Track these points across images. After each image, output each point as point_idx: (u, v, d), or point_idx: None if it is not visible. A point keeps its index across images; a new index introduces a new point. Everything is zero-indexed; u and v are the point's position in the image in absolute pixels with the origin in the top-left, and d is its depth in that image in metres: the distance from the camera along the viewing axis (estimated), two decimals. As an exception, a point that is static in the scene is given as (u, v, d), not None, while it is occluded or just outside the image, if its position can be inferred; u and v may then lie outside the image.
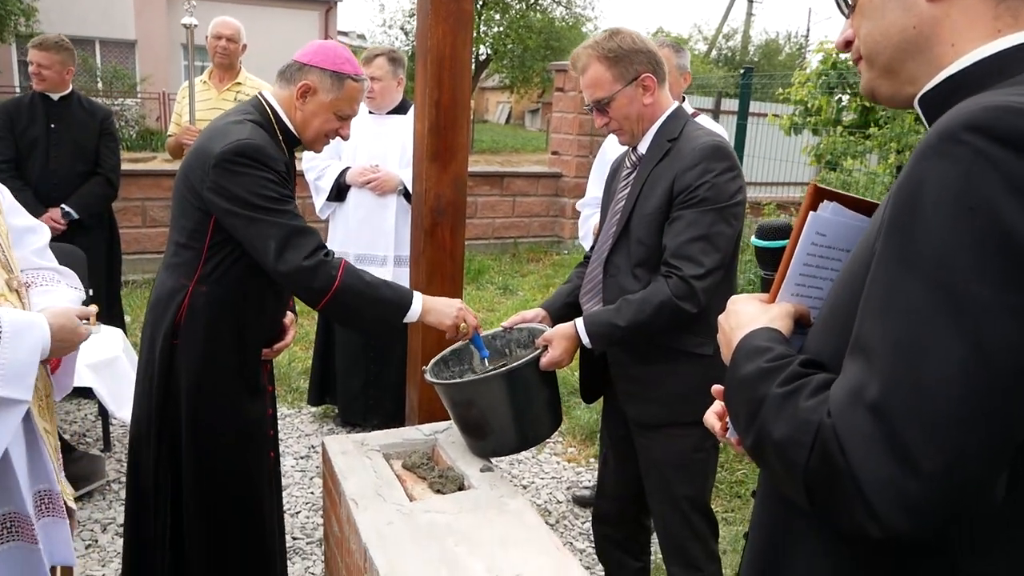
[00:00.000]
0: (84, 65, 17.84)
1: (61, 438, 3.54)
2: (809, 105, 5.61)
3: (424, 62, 2.57)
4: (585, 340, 2.07)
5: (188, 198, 2.06)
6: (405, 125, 3.85)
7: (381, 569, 1.63)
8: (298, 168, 2.44)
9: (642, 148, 2.14)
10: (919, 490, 0.71)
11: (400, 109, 3.94)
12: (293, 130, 2.16)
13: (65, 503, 1.79)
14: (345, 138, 2.25)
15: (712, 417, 1.15)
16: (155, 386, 2.11)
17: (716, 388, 1.11)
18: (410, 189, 3.71)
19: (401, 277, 3.79)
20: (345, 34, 30.52)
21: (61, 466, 1.86)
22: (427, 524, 1.80)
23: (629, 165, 2.20)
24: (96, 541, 2.99)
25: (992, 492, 0.73)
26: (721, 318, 1.08)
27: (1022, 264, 0.69)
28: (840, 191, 0.99)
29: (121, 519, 2.61)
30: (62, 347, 1.68)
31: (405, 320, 2.12)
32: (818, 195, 0.97)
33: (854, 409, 0.75)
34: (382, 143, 3.88)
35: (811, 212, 0.97)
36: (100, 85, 17.89)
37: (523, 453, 3.98)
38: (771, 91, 7.14)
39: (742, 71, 5.90)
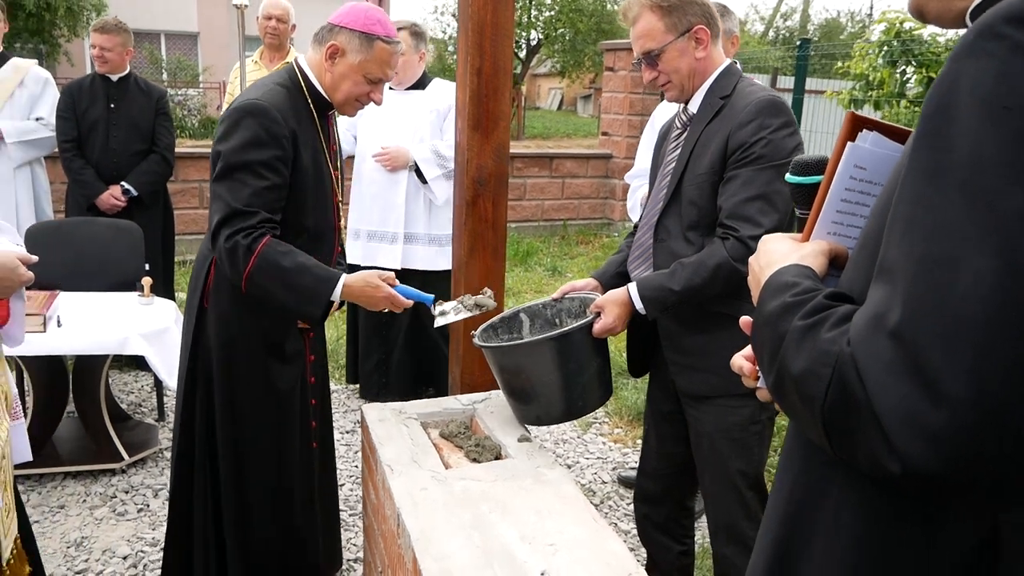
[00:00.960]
0: (150, 57, 18.38)
1: (117, 407, 3.66)
2: (871, 79, 5.37)
3: (465, 30, 2.54)
4: (639, 306, 2.00)
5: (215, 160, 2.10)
6: (421, 100, 3.83)
7: (413, 534, 1.61)
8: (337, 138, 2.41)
9: (693, 107, 2.06)
10: (943, 420, 0.64)
11: (419, 84, 3.89)
12: (324, 93, 2.14)
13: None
14: (378, 103, 2.21)
15: (740, 358, 1.09)
16: (188, 349, 2.15)
17: (744, 320, 1.05)
18: (422, 166, 3.71)
19: (411, 254, 3.82)
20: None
21: (19, 411, 1.87)
22: (461, 491, 1.78)
23: (680, 126, 2.12)
24: (148, 506, 3.07)
25: None
26: (751, 258, 1.02)
27: None
28: (881, 120, 0.91)
29: (172, 485, 2.68)
30: (1, 286, 1.68)
31: (331, 301, 2.04)
32: (856, 124, 0.90)
33: (875, 335, 0.69)
34: (398, 118, 3.83)
35: (849, 143, 0.90)
36: (165, 76, 18.38)
37: (568, 433, 3.95)
38: (830, 68, 6.89)
39: (798, 42, 5.67)
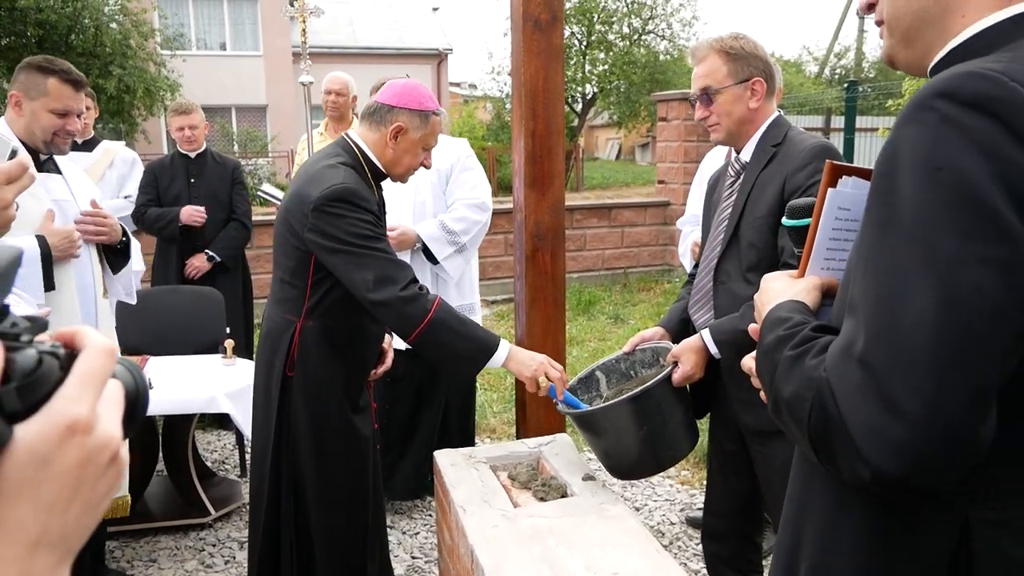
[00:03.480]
0: (222, 131, 19.38)
1: (202, 464, 3.87)
2: (923, 114, 5.38)
3: (519, 96, 2.72)
4: (713, 350, 2.08)
5: (289, 239, 2.21)
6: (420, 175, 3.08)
7: (486, 568, 1.72)
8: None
9: (745, 155, 2.17)
10: (903, 432, 0.76)
11: None
12: (380, 167, 2.29)
13: None
14: (428, 167, 2.38)
15: (750, 360, 1.20)
16: (275, 413, 2.28)
17: (745, 362, 1.16)
18: (431, 246, 3.36)
19: None
20: (457, 84, 31.65)
21: None
22: (529, 527, 1.88)
23: (732, 173, 2.22)
24: (234, 557, 3.23)
25: (979, 436, 0.76)
26: (755, 296, 1.14)
27: (986, 216, 0.74)
28: (856, 166, 1.04)
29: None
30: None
31: (490, 364, 2.17)
32: (835, 172, 1.03)
33: (846, 363, 0.81)
34: (397, 190, 3.18)
35: (830, 189, 1.02)
36: (236, 148, 19.32)
37: (636, 477, 3.98)
38: (887, 105, 6.91)
39: (845, 84, 5.73)
